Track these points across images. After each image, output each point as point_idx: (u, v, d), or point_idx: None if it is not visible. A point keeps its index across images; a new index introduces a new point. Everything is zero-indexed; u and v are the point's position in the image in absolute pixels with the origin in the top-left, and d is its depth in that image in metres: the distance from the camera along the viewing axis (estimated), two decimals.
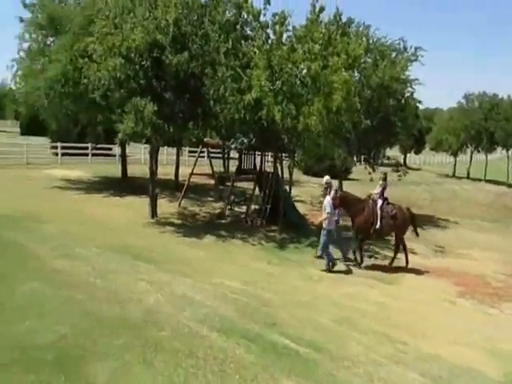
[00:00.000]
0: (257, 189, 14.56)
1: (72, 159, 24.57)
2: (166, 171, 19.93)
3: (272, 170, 14.32)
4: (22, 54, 16.80)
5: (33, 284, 6.60)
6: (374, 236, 10.73)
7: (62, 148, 24.53)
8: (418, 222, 11.46)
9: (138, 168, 22.10)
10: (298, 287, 8.32)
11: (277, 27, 11.47)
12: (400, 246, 10.68)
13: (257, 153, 15.50)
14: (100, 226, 11.52)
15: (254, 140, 14.32)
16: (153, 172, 13.18)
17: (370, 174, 16.78)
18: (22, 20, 16.70)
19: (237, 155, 22.47)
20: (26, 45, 16.80)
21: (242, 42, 12.21)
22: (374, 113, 14.85)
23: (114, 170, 21.97)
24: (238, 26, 12.33)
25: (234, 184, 15.54)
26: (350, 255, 10.59)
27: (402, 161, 34.51)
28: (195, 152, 27.50)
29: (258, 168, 15.05)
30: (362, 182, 23.97)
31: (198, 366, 4.85)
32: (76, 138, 25.25)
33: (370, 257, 11.20)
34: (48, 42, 16.88)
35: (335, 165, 18.35)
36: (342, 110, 10.98)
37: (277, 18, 11.33)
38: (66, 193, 16.31)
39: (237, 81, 11.13)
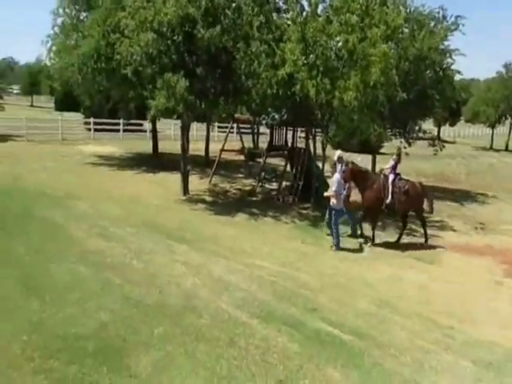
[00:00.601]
0: (288, 165, 14.33)
1: (104, 135, 25.00)
2: (195, 147, 19.92)
3: (304, 146, 14.03)
4: (56, 29, 16.87)
5: (70, 265, 6.69)
6: (385, 212, 10.25)
7: (95, 124, 24.93)
8: (443, 196, 10.82)
9: (168, 144, 22.23)
10: (335, 268, 8.18)
11: None
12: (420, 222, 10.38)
13: (288, 128, 15.17)
14: (133, 203, 11.64)
15: (285, 115, 14.00)
16: (184, 149, 13.15)
17: (405, 148, 16.22)
18: None
19: (266, 131, 22.22)
20: (59, 20, 16.83)
21: (275, 14, 11.77)
22: (410, 85, 14.16)
23: (144, 145, 22.22)
24: None
25: (265, 160, 15.35)
26: (365, 232, 10.24)
27: (436, 134, 33.23)
28: (224, 128, 27.62)
29: (289, 144, 14.77)
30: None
31: (240, 357, 4.75)
32: (107, 113, 25.54)
33: (408, 235, 10.86)
34: (81, 17, 16.81)
35: (368, 140, 17.77)
36: (379, 83, 10.49)
37: None
38: (100, 169, 16.62)
39: (270, 55, 10.76)
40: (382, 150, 24.43)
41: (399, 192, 9.76)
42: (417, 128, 16.80)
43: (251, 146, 18.40)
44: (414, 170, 22.62)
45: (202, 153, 19.61)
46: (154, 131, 20.25)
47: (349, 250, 9.28)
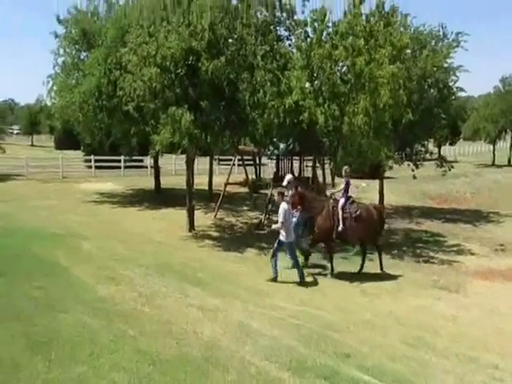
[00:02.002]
0: None
1: (105, 172, 24.80)
2: (198, 181, 19.37)
3: (310, 175, 13.70)
4: (57, 69, 16.92)
5: (80, 315, 6.14)
6: (336, 241, 9.41)
7: (96, 161, 24.80)
8: (455, 218, 10.17)
9: (170, 179, 22.01)
10: (357, 304, 7.63)
11: (316, 24, 10.85)
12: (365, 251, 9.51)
13: (294, 158, 14.88)
14: (139, 241, 11.20)
15: (291, 144, 13.73)
16: (190, 183, 12.79)
17: (413, 171, 15.95)
18: (56, 35, 16.87)
19: (268, 162, 21.87)
20: (60, 60, 16.92)
21: (278, 42, 11.69)
22: (415, 105, 14.01)
23: (146, 181, 21.98)
24: (271, 27, 11.83)
25: (272, 192, 14.96)
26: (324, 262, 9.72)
27: (437, 154, 33.12)
28: (225, 160, 27.50)
29: (295, 174, 14.43)
30: (401, 181, 23.02)
31: None
32: (108, 150, 25.42)
33: (426, 262, 10.29)
34: (82, 57, 16.94)
35: (378, 164, 17.47)
36: (387, 105, 10.27)
37: (316, 14, 10.70)
38: (102, 207, 16.23)
39: (275, 84, 10.57)
40: (386, 174, 24.24)
41: (350, 218, 8.92)
42: (423, 149, 16.57)
43: (254, 177, 18.11)
44: (419, 192, 22.37)
45: (205, 187, 19.22)
46: (156, 167, 19.99)
47: (359, 280, 8.77)
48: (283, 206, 8.36)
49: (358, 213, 8.91)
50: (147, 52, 10.41)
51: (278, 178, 14.53)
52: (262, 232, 13.34)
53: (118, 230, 12.50)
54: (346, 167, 9.61)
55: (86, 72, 15.38)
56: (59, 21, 17.00)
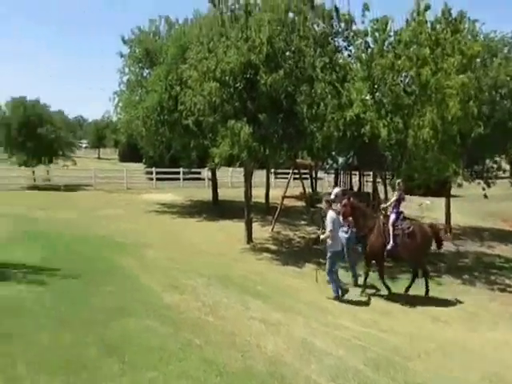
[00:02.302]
0: None
1: (165, 183, 25.76)
2: (254, 193, 19.60)
3: (371, 191, 13.22)
4: (122, 86, 17.91)
5: (149, 321, 6.30)
6: (388, 259, 8.80)
7: (157, 173, 25.83)
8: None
9: (226, 191, 22.33)
10: (425, 329, 7.11)
11: (377, 34, 10.54)
12: (419, 271, 8.72)
13: (353, 172, 14.50)
14: (199, 252, 11.44)
15: (351, 158, 13.38)
16: (248, 196, 12.84)
17: (483, 189, 14.81)
18: (121, 55, 17.89)
19: (323, 176, 21.50)
20: (125, 78, 17.89)
21: (337, 53, 11.49)
22: (485, 118, 13.06)
23: (203, 193, 22.46)
24: (329, 38, 11.66)
25: None
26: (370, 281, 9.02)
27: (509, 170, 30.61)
28: (280, 173, 27.49)
29: (354, 188, 14.03)
30: (468, 199, 21.55)
31: None
32: (168, 163, 26.39)
33: (502, 290, 9.45)
34: (145, 74, 17.82)
35: (440, 180, 16.51)
36: (457, 118, 9.64)
37: (377, 24, 10.41)
38: (163, 217, 16.79)
39: (335, 96, 10.37)
40: (452, 192, 22.73)
41: (402, 234, 8.28)
42: (495, 166, 15.37)
43: (310, 191, 17.85)
44: (489, 212, 20.62)
45: (261, 199, 19.21)
46: (214, 179, 20.37)
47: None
48: (331, 214, 8.07)
49: (410, 229, 8.35)
50: (207, 67, 10.65)
51: None
52: (320, 247, 13.04)
53: (178, 239, 12.86)
54: (398, 181, 9.15)
55: (149, 88, 16.12)
56: (124, 41, 18.03)
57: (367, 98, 10.17)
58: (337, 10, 10.94)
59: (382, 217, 8.70)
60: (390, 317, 7.63)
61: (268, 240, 13.58)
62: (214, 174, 20.36)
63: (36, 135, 24.18)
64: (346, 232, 9.01)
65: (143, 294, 7.58)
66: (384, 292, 8.73)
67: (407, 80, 10.93)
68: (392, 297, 8.54)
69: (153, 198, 20.90)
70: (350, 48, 11.45)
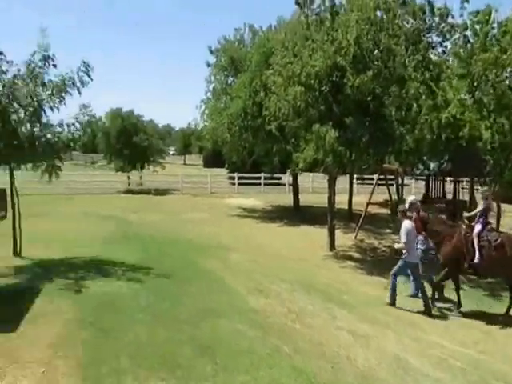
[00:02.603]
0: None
1: (246, 188, 26.29)
2: (337, 199, 19.19)
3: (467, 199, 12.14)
4: (208, 94, 18.62)
5: (237, 324, 6.41)
6: (470, 272, 7.89)
7: (239, 178, 26.46)
8: None
9: (307, 197, 22.12)
10: None
11: (477, 27, 9.67)
12: None
13: (446, 178, 13.45)
14: (281, 256, 11.45)
15: (444, 163, 12.43)
16: (331, 202, 12.53)
17: None
18: (208, 65, 18.62)
19: (408, 182, 20.22)
20: (211, 86, 18.58)
21: (429, 50, 10.76)
22: None
23: (284, 198, 22.49)
24: (422, 34, 10.95)
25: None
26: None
27: None
28: (362, 179, 26.58)
29: (447, 196, 13.00)
30: None
31: None
32: (249, 168, 26.94)
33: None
34: (229, 82, 18.32)
35: None
36: None
37: (478, 16, 9.53)
38: (246, 221, 17.11)
39: (429, 96, 9.69)
40: None
41: (488, 246, 7.33)
42: None
43: (395, 198, 16.92)
44: None
45: (344, 206, 18.69)
46: (295, 184, 20.28)
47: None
48: (405, 224, 7.72)
49: (498, 241, 7.43)
50: (292, 72, 10.60)
51: (428, 200, 13.36)
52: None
53: (260, 244, 12.98)
54: (484, 188, 8.39)
55: (233, 95, 16.56)
56: (211, 51, 18.77)
57: (465, 97, 9.33)
58: (430, 3, 10.26)
59: (464, 226, 7.94)
60: (489, 337, 6.87)
61: (351, 248, 13.15)
62: (295, 179, 20.28)
63: (131, 143, 26.23)
64: (423, 244, 8.43)
65: (230, 297, 7.74)
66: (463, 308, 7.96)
67: None
68: (489, 316, 7.71)
69: (235, 203, 21.48)
70: (445, 44, 10.69)
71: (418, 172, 14.11)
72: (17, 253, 9.91)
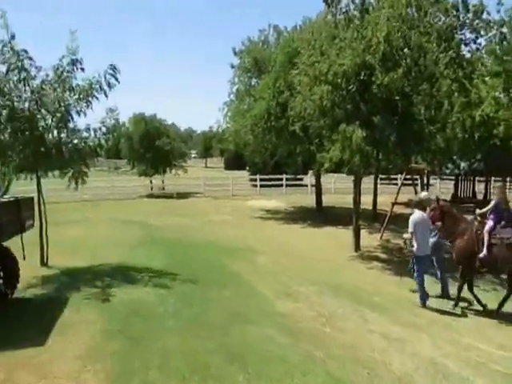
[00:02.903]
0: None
1: (268, 190, 26.21)
2: (361, 200, 18.96)
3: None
4: (232, 96, 18.62)
5: (266, 330, 6.27)
6: (482, 270, 7.51)
7: (260, 180, 26.39)
8: None
9: (330, 197, 21.93)
10: None
11: None
12: None
13: (476, 178, 13.04)
14: (307, 258, 11.27)
15: (475, 163, 12.04)
16: (356, 202, 12.30)
17: None
18: (232, 66, 18.63)
19: (433, 182, 19.73)
20: (235, 88, 18.57)
21: (462, 47, 10.45)
22: None
23: (306, 199, 22.31)
24: (455, 31, 10.64)
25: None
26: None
27: None
28: (385, 179, 26.09)
29: (478, 196, 12.58)
30: None
31: None
32: (271, 169, 26.84)
33: None
34: (253, 83, 18.28)
35: None
36: None
37: None
38: (269, 222, 17.02)
39: (462, 94, 9.39)
40: None
41: (501, 244, 6.99)
42: None
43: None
44: None
45: (368, 206, 18.37)
46: (318, 185, 20.07)
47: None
48: (413, 215, 7.69)
49: (511, 239, 7.11)
50: (319, 71, 10.44)
51: (457, 200, 12.98)
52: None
53: (285, 246, 12.83)
54: (498, 184, 8.11)
55: (257, 97, 16.49)
56: (235, 53, 18.78)
57: (500, 95, 8.99)
58: (464, 1, 9.94)
59: (476, 223, 7.64)
60: None
61: (377, 248, 12.88)
62: (318, 179, 20.07)
63: (154, 147, 26.50)
64: (433, 236, 8.20)
65: (257, 301, 7.61)
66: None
67: None
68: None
69: (257, 205, 21.41)
70: (479, 41, 10.33)
71: (447, 171, 13.67)
72: (44, 262, 9.70)
